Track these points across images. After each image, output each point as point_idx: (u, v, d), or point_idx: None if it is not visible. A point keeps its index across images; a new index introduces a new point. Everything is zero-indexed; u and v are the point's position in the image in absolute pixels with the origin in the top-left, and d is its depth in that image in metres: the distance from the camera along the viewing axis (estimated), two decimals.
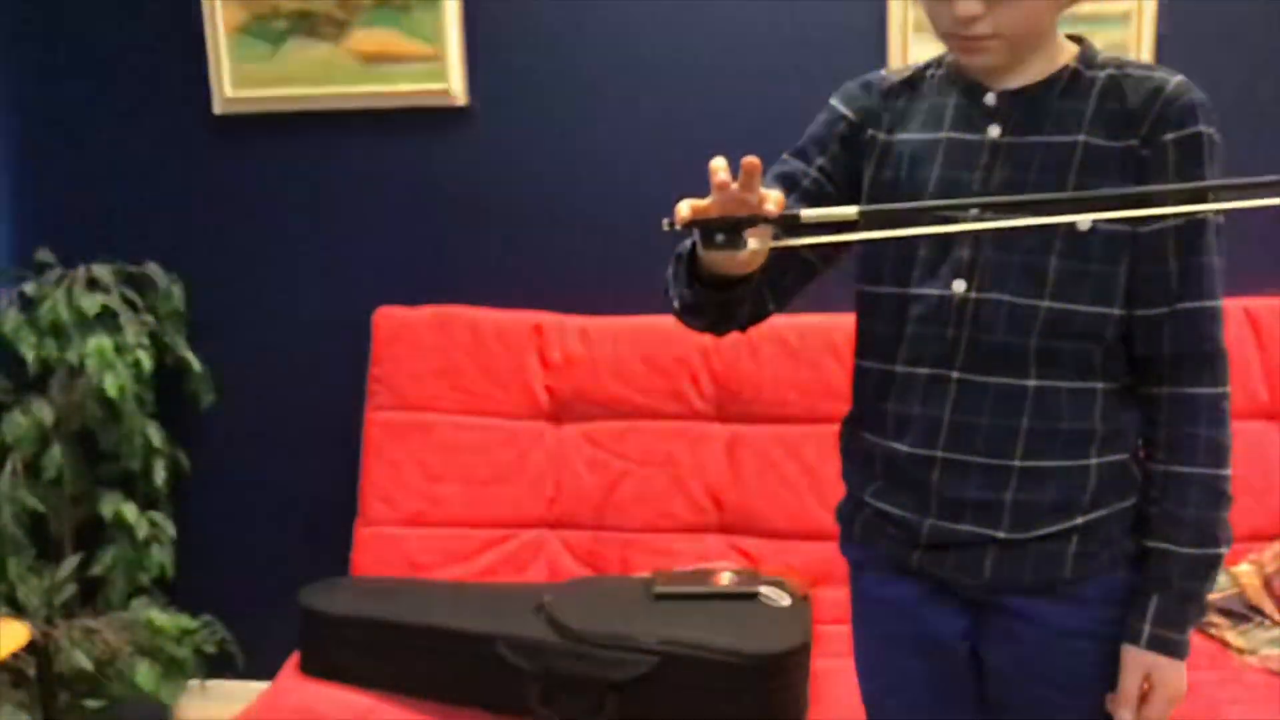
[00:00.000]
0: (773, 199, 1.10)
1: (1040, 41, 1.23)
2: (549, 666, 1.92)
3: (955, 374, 1.24)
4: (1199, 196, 1.16)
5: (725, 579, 2.12)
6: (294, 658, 2.14)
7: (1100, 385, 1.24)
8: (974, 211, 1.23)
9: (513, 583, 2.32)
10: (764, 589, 2.08)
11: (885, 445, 1.30)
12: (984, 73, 1.24)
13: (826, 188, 1.32)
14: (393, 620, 2.03)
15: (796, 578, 2.16)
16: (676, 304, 1.29)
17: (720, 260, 1.16)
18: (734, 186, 1.08)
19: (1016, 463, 1.24)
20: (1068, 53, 1.25)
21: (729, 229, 1.10)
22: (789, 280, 1.32)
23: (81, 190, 2.62)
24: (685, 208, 1.11)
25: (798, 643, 1.91)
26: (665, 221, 1.14)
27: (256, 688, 2.23)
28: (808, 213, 1.11)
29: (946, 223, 1.22)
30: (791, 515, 2.31)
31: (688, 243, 1.23)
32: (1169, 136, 1.19)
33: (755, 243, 1.12)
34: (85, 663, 2.35)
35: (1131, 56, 2.03)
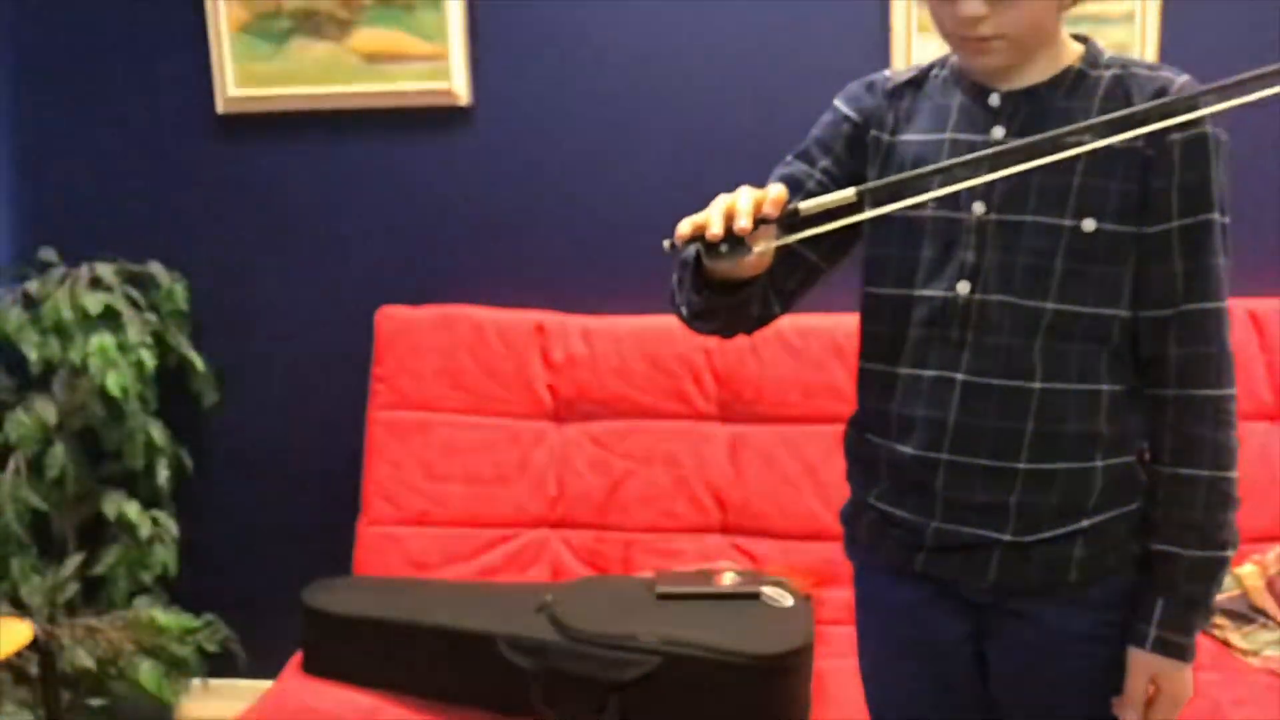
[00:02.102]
0: (770, 198, 1.11)
1: (1044, 42, 1.22)
2: (551, 666, 1.92)
3: (960, 376, 1.24)
4: (1191, 107, 1.15)
5: (727, 579, 2.12)
6: (296, 657, 2.14)
7: (1106, 387, 1.24)
8: (978, 198, 1.23)
9: (515, 582, 2.32)
10: (766, 589, 2.07)
11: (890, 448, 1.30)
12: (988, 73, 1.24)
13: (831, 189, 1.30)
14: (395, 619, 2.03)
15: (799, 578, 2.16)
16: (685, 311, 1.29)
17: (727, 266, 1.15)
18: (741, 221, 1.10)
19: (1022, 465, 1.23)
20: (1072, 53, 1.25)
21: (731, 238, 1.10)
22: (793, 282, 1.32)
23: (84, 189, 2.62)
24: (686, 225, 1.13)
25: (800, 643, 1.91)
26: (666, 243, 1.15)
27: (259, 687, 2.23)
28: (806, 204, 1.12)
29: (949, 199, 1.22)
30: (794, 516, 2.31)
31: (692, 249, 1.23)
32: (1175, 137, 1.18)
33: (760, 245, 1.12)
34: (88, 661, 2.35)
35: (1135, 56, 2.03)
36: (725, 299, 1.23)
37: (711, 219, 1.12)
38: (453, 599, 2.12)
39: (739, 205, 1.11)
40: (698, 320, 1.29)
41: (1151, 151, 1.19)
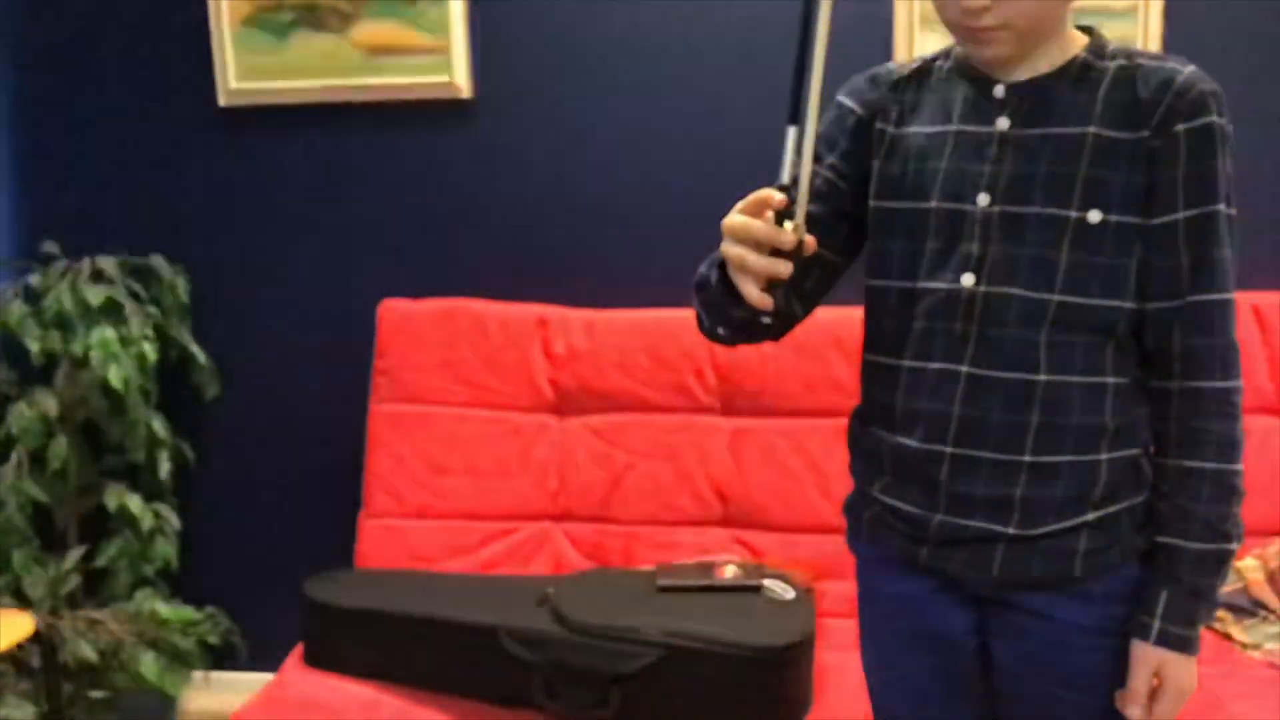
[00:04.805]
0: (766, 198, 1.10)
1: (1049, 33, 1.22)
2: (552, 658, 1.92)
3: (964, 369, 1.23)
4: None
5: (729, 572, 2.12)
6: (298, 649, 2.14)
7: (1111, 380, 1.23)
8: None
9: (516, 575, 2.31)
10: (768, 582, 2.07)
11: (894, 440, 1.29)
12: (993, 64, 1.24)
13: (840, 186, 1.31)
14: (396, 612, 2.03)
15: (800, 571, 2.16)
16: (724, 331, 1.27)
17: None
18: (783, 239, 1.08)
19: (1026, 458, 1.23)
20: (1077, 44, 1.24)
21: (790, 258, 1.09)
22: (810, 281, 1.31)
23: (86, 182, 2.62)
24: (752, 289, 1.10)
25: (801, 636, 1.91)
26: (766, 319, 1.13)
27: (260, 679, 2.23)
28: (785, 174, 1.10)
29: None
30: (795, 509, 2.30)
31: (710, 275, 1.22)
32: (1181, 127, 1.18)
33: (805, 239, 1.11)
34: (89, 654, 2.35)
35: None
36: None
37: (763, 264, 1.08)
38: (454, 591, 2.12)
39: (760, 231, 1.09)
40: (739, 334, 1.27)
41: (1157, 142, 1.18)
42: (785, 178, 1.10)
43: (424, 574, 2.30)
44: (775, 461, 2.33)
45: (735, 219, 1.11)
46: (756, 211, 1.10)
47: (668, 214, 2.44)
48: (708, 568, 2.15)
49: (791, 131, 1.10)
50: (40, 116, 2.62)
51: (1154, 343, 1.24)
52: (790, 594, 2.05)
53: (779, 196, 1.09)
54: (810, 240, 1.11)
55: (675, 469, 2.35)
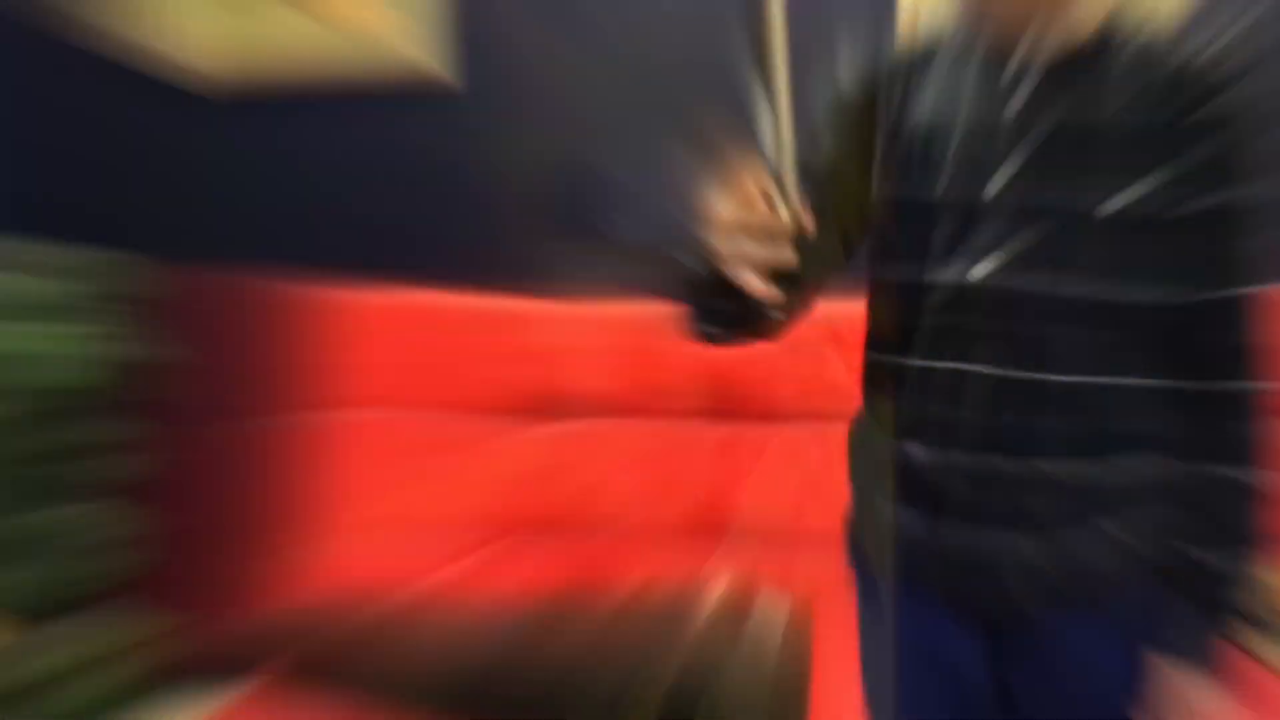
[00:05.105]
0: (753, 181, 1.06)
1: (1064, 13, 1.16)
2: None
3: (975, 368, 1.18)
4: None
5: (719, 587, 2.05)
6: (263, 666, 2.04)
7: (1132, 380, 1.18)
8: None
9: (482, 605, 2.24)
10: (760, 597, 2.00)
11: (898, 447, 1.24)
12: (1005, 45, 1.18)
13: (842, 171, 1.25)
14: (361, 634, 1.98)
15: (795, 586, 2.08)
16: (714, 329, 1.23)
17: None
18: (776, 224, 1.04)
19: (1041, 465, 1.17)
20: (1094, 25, 1.18)
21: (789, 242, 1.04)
22: (809, 274, 1.23)
23: (47, 172, 2.60)
24: (757, 284, 1.06)
25: (796, 653, 1.87)
26: (780, 313, 1.10)
27: (223, 696, 2.16)
28: (769, 159, 1.05)
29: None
30: (790, 520, 2.25)
31: (699, 269, 1.16)
32: (1203, 113, 1.13)
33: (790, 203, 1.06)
34: (46, 670, 2.30)
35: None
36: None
37: (762, 253, 1.05)
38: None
39: (753, 219, 1.05)
40: (730, 331, 1.22)
41: (1179, 128, 1.13)
42: (769, 159, 1.06)
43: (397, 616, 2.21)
44: (768, 469, 2.28)
45: (724, 210, 1.07)
46: (743, 199, 1.06)
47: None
48: (696, 583, 2.07)
49: (766, 109, 1.07)
50: (12, 105, 2.58)
51: (1179, 340, 1.18)
52: (784, 610, 1.98)
53: (766, 180, 1.05)
54: (807, 221, 1.06)
55: (659, 477, 2.30)
